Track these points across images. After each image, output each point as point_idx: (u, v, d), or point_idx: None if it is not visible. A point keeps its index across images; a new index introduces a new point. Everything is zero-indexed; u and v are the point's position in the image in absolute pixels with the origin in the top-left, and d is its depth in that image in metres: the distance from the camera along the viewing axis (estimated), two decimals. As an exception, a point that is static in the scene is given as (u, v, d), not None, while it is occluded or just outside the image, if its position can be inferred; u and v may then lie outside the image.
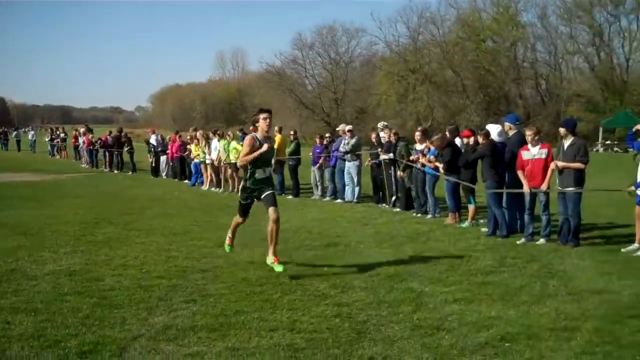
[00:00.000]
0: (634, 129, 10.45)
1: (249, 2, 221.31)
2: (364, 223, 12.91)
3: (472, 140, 12.18)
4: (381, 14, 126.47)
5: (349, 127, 17.46)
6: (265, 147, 8.20)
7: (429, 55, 65.07)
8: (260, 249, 9.91)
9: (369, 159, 16.38)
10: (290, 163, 18.74)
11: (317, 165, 17.96)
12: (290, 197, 18.11)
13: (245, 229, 11.89)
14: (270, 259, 8.30)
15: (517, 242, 10.63)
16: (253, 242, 10.44)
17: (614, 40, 60.70)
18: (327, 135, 18.74)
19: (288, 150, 18.87)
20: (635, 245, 9.82)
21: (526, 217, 10.84)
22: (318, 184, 18.19)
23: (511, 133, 11.74)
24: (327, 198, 17.48)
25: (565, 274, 8.33)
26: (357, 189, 16.65)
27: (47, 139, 45.35)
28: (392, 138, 15.37)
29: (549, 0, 60.52)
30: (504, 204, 11.36)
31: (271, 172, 8.75)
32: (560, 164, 10.22)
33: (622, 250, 9.87)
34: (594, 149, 47.49)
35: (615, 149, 46.64)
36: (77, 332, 5.87)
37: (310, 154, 18.69)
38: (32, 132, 55.35)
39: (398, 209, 14.96)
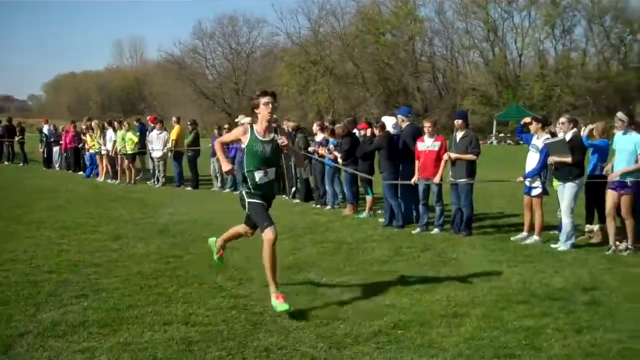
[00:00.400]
0: (522, 122, 10.88)
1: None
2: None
3: (368, 132, 12.38)
4: (282, 5, 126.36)
5: (247, 119, 17.35)
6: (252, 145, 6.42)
7: (329, 47, 65.68)
8: (156, 241, 9.78)
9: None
10: (189, 154, 18.50)
11: (216, 156, 17.73)
12: (189, 188, 17.90)
13: (140, 222, 11.74)
14: (272, 297, 6.22)
15: (413, 232, 10.90)
16: (150, 235, 10.25)
17: (507, 35, 63.08)
18: (226, 126, 18.56)
19: (186, 140, 18.61)
20: (524, 233, 10.24)
21: (420, 207, 11.10)
22: (217, 175, 18.01)
23: (404, 125, 11.99)
24: (227, 190, 17.33)
25: (457, 262, 8.61)
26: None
27: None
28: (288, 127, 15.35)
29: (446, -5, 62.21)
30: (399, 195, 11.60)
31: (274, 175, 6.64)
32: (453, 155, 10.52)
33: (512, 238, 10.27)
34: (488, 142, 49.23)
35: (508, 141, 48.46)
36: (-43, 331, 5.61)
37: (210, 145, 18.46)
38: None
39: (298, 200, 15.04)
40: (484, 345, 5.32)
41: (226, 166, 6.58)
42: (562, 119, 9.94)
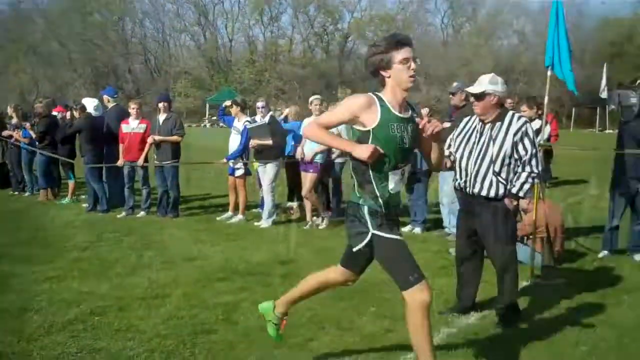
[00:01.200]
0: (223, 105, 11.13)
1: None
2: None
3: (68, 115, 11.90)
4: None
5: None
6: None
7: (32, 24, 61.50)
8: None
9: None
10: None
11: None
12: None
13: None
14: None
15: (118, 217, 10.67)
16: None
17: (218, 20, 64.14)
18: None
19: None
20: (229, 213, 10.53)
21: (126, 191, 10.89)
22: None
23: (110, 106, 11.68)
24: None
25: (162, 244, 8.59)
26: None
27: None
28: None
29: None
30: (104, 179, 11.27)
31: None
32: (158, 137, 10.46)
33: (217, 218, 10.51)
34: (202, 125, 49.80)
35: (221, 124, 49.33)
36: None
37: None
38: None
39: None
40: (182, 324, 5.36)
41: (362, 149, 3.79)
42: (259, 103, 10.38)
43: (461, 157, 5.45)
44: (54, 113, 12.87)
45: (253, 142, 9.96)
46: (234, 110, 10.39)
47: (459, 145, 5.49)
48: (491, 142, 5.25)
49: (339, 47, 66.06)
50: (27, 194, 13.07)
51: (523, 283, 6.47)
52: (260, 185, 10.39)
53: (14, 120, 13.12)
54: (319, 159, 9.61)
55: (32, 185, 13.11)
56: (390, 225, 3.91)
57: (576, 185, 14.81)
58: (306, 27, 65.18)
